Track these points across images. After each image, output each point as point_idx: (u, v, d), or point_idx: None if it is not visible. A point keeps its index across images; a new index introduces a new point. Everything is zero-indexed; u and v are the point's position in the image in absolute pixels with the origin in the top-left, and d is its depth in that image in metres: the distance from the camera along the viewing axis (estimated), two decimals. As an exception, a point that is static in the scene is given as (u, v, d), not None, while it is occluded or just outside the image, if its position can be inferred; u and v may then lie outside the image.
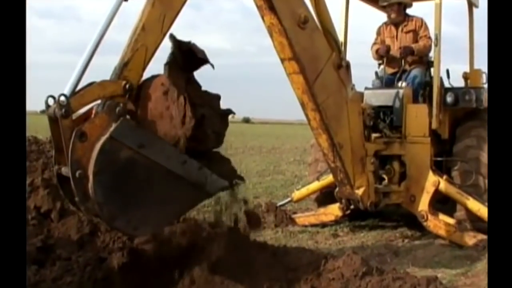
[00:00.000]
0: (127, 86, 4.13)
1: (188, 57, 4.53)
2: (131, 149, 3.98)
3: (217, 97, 4.86)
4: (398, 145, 7.67)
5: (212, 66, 4.67)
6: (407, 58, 8.40)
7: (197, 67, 4.69)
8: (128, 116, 4.24)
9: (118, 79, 4.13)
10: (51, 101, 3.85)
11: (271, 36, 5.62)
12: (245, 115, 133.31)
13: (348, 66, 6.12)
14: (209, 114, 4.59)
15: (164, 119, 4.30)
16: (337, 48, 6.03)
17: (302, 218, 8.32)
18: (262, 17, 5.51)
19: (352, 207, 7.52)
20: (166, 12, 4.33)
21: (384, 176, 7.63)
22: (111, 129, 3.92)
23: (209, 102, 4.70)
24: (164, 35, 4.39)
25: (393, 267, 5.42)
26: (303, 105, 6.11)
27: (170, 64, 4.40)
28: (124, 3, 4.33)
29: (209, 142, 4.61)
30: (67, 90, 3.94)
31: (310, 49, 5.68)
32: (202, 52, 4.58)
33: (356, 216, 8.38)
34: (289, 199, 8.84)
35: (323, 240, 7.38)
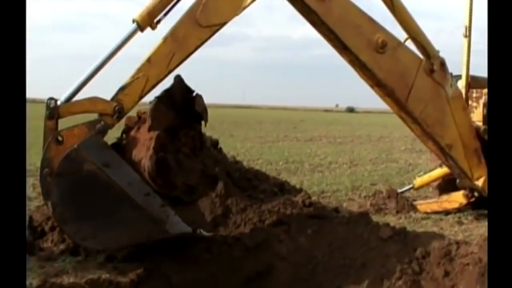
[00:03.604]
0: (117, 108, 4.36)
1: (187, 104, 4.63)
2: (95, 165, 4.20)
3: (214, 159, 5.15)
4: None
5: (205, 123, 4.77)
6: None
7: (194, 119, 4.74)
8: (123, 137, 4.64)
9: (112, 100, 4.39)
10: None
11: (355, 69, 5.57)
12: (349, 105, 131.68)
13: (443, 63, 5.78)
14: (189, 166, 4.61)
15: (143, 147, 4.43)
16: (425, 52, 5.74)
17: (424, 205, 8.20)
18: (341, 55, 5.48)
19: (476, 194, 7.37)
20: (176, 50, 4.49)
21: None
22: (81, 141, 4.22)
23: (202, 158, 4.79)
24: (170, 71, 4.53)
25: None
26: (402, 119, 6.00)
27: (160, 99, 4.54)
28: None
29: (176, 190, 4.57)
30: (63, 97, 4.35)
31: (396, 69, 5.50)
32: (203, 108, 4.67)
33: (480, 205, 8.13)
34: (410, 186, 8.73)
35: (448, 227, 7.25)
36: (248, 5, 4.70)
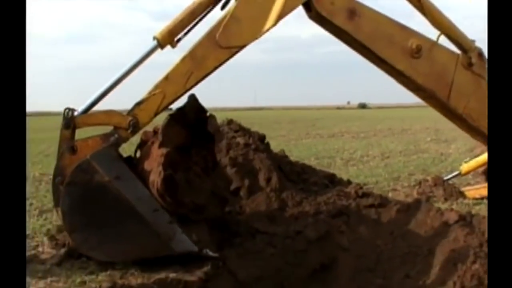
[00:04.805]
0: (132, 122, 4.40)
1: (200, 124, 4.64)
2: (105, 176, 4.21)
3: (227, 180, 5.30)
4: None
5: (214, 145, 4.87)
6: None
7: (207, 139, 4.73)
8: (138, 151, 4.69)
9: (127, 114, 4.43)
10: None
11: (392, 77, 5.46)
12: (360, 101, 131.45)
13: (480, 54, 5.51)
14: (199, 185, 4.56)
15: (154, 162, 4.40)
16: (461, 46, 5.49)
17: (473, 191, 8.05)
18: (378, 66, 5.38)
19: (527, 176, 7.22)
20: (195, 69, 4.46)
21: None
22: (93, 152, 4.27)
23: (214, 179, 4.78)
24: (187, 90, 4.51)
25: None
26: (447, 117, 5.88)
27: (173, 117, 4.55)
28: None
29: (183, 208, 4.50)
30: (80, 108, 4.45)
31: (433, 70, 5.34)
32: (216, 129, 4.75)
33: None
34: (457, 172, 8.58)
35: (502, 211, 7.08)
36: (268, 29, 4.62)
